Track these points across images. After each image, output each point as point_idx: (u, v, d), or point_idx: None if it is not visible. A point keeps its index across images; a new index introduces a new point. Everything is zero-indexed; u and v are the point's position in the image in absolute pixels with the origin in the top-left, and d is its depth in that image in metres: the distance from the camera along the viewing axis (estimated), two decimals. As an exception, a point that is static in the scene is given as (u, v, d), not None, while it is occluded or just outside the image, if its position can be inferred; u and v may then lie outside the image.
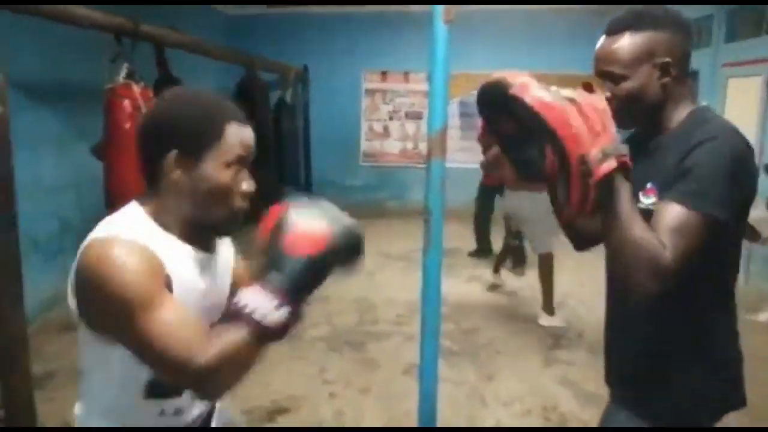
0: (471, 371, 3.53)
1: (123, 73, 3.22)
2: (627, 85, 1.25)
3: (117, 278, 0.95)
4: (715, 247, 1.16)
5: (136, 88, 3.21)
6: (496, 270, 5.18)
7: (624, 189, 1.11)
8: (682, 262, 1.09)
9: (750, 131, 4.99)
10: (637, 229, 1.09)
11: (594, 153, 1.06)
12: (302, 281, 0.96)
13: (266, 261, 0.98)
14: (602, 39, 1.30)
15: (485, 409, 3.12)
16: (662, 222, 1.12)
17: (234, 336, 0.93)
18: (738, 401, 1.35)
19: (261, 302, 0.93)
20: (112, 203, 3.36)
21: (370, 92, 8.51)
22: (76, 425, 1.18)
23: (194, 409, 1.21)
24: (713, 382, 1.31)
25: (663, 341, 1.32)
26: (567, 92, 1.14)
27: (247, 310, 0.92)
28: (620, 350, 1.46)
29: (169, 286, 1.03)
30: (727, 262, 1.29)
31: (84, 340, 1.08)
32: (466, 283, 5.16)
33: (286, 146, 7.59)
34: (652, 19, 1.24)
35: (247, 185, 1.11)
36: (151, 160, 1.08)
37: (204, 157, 1.06)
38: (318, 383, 3.34)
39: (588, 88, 1.22)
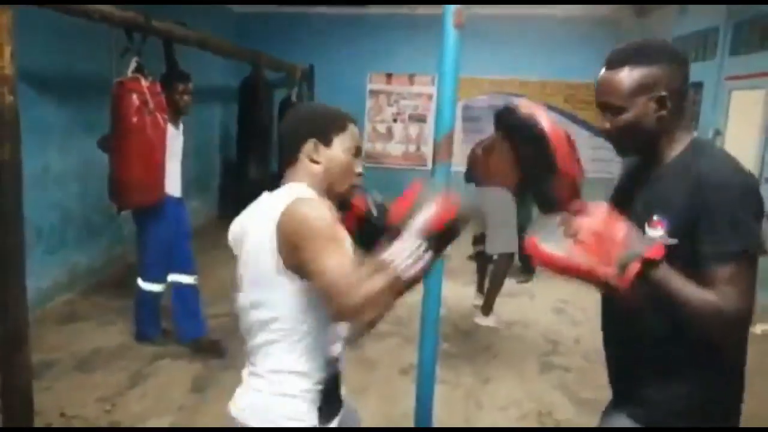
0: (468, 374, 3.55)
1: (132, 67, 3.23)
2: (624, 117, 1.30)
3: (319, 221, 1.26)
4: None
5: (144, 83, 3.22)
6: (480, 289, 4.80)
7: (663, 275, 1.17)
8: (743, 306, 1.18)
9: (752, 143, 5.01)
10: (694, 300, 1.18)
11: (611, 272, 1.16)
12: (435, 244, 1.19)
13: (409, 227, 1.19)
14: (603, 71, 1.35)
15: (481, 411, 3.14)
16: (715, 283, 1.19)
17: (380, 282, 1.14)
18: (733, 417, 1.37)
19: (403, 256, 1.15)
20: (116, 196, 3.39)
21: (375, 93, 8.53)
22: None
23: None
24: (709, 392, 1.33)
25: (660, 349, 1.35)
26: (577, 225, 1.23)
27: (393, 263, 1.15)
28: (620, 353, 1.49)
29: None
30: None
31: (283, 291, 1.33)
32: (464, 287, 5.16)
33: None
34: (651, 53, 1.30)
35: (359, 168, 1.51)
36: (293, 151, 1.44)
37: (334, 143, 1.44)
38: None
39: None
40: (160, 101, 3.33)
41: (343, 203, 1.55)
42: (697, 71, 6.32)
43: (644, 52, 1.30)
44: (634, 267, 1.14)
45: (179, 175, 3.65)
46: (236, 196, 7.23)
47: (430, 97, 8.24)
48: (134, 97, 3.18)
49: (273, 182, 1.47)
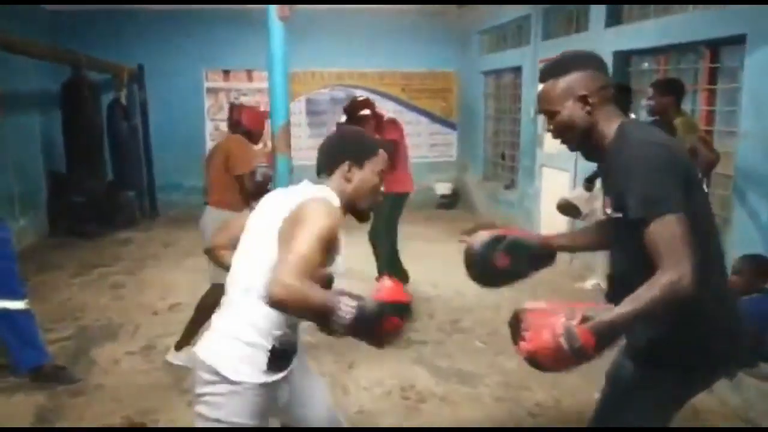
0: (331, 362, 3.60)
1: None
2: (558, 119, 1.59)
3: (324, 220, 1.53)
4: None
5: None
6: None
7: (614, 328, 1.36)
8: (685, 268, 1.33)
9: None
10: (647, 306, 1.34)
11: (564, 335, 1.33)
12: (371, 318, 1.44)
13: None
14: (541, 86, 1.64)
15: (347, 396, 3.21)
16: (652, 246, 1.38)
17: (317, 300, 1.42)
18: (735, 356, 1.63)
19: (344, 308, 1.40)
20: None
21: (213, 91, 8.27)
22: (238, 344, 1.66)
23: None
24: (709, 338, 1.54)
25: None
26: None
27: (336, 303, 1.41)
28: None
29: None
30: (697, 234, 1.45)
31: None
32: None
33: (123, 148, 7.15)
34: (567, 64, 1.59)
35: (381, 187, 1.81)
36: (330, 165, 1.75)
37: (366, 165, 1.75)
38: (174, 394, 3.22)
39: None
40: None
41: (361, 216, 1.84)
42: (515, 56, 6.89)
43: (561, 65, 1.59)
44: (580, 340, 1.32)
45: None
46: (69, 210, 6.66)
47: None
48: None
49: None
